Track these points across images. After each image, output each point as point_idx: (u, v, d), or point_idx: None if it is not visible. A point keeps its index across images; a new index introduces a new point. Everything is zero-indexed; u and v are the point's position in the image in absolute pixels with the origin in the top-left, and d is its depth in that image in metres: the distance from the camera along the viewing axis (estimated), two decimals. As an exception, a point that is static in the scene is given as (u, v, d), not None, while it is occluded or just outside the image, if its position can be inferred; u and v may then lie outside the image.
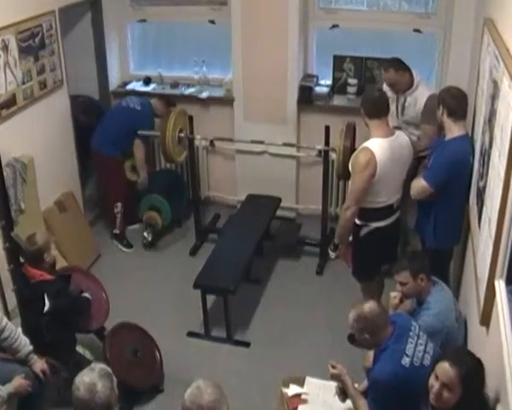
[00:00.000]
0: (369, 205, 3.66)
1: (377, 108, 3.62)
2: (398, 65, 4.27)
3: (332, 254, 3.96)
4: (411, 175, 3.79)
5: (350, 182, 3.69)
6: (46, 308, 3.49)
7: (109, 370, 2.49)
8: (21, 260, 3.74)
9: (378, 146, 3.54)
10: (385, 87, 4.45)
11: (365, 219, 3.71)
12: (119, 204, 5.26)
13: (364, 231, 3.74)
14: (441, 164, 3.52)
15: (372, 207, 3.67)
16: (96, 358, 3.79)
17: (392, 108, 4.29)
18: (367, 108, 3.63)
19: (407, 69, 4.28)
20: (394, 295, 3.29)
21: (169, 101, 5.29)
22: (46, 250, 3.61)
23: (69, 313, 3.63)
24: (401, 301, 3.31)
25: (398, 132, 3.70)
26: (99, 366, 2.48)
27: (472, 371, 2.31)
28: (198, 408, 2.21)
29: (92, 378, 2.40)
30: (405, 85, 4.28)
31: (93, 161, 5.35)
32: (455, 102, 3.51)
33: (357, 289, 4.40)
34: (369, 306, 2.81)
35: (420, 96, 4.26)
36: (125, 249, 5.37)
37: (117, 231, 5.36)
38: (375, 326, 2.78)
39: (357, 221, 3.74)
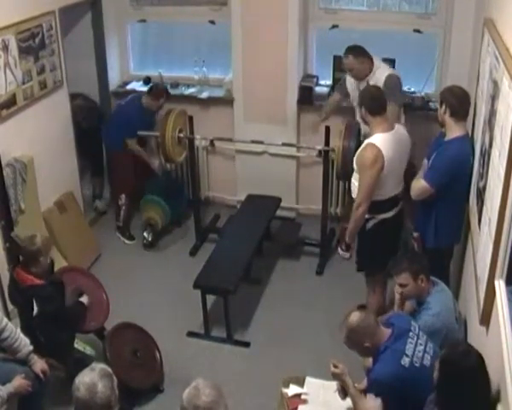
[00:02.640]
0: (377, 198, 3.72)
1: (378, 104, 3.68)
2: (358, 52, 4.40)
3: (345, 255, 3.95)
4: (410, 175, 3.82)
5: (358, 179, 3.70)
6: (35, 312, 3.50)
7: (110, 370, 2.49)
8: (19, 259, 3.74)
9: (382, 141, 3.60)
10: (348, 77, 4.61)
11: (373, 211, 3.75)
12: (123, 196, 5.34)
13: (371, 223, 3.79)
14: (442, 165, 3.51)
15: (379, 199, 3.73)
16: (96, 353, 3.81)
17: (355, 94, 4.45)
18: (369, 105, 3.68)
19: (366, 57, 4.41)
20: (397, 289, 3.28)
21: (157, 93, 5.18)
22: (44, 254, 3.57)
23: (58, 318, 3.60)
24: (402, 303, 3.31)
25: (397, 126, 3.77)
26: (99, 366, 2.48)
27: (472, 368, 2.30)
28: (194, 409, 2.21)
29: (92, 378, 2.40)
30: (363, 72, 4.41)
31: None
32: (458, 101, 3.50)
33: (357, 289, 4.40)
34: (353, 316, 2.82)
35: (380, 77, 4.36)
36: (127, 241, 5.43)
37: (120, 224, 5.42)
38: (368, 331, 2.78)
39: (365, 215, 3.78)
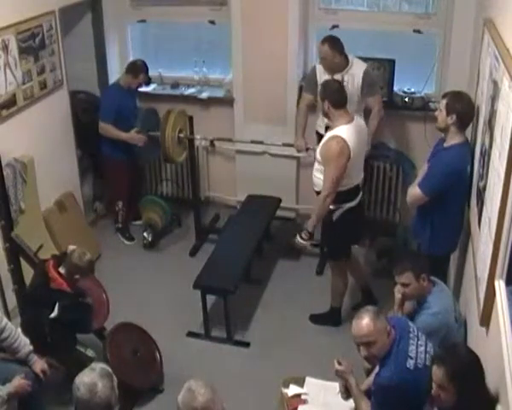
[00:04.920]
0: (342, 188, 3.84)
1: (341, 98, 3.84)
2: (334, 44, 4.45)
3: (307, 243, 4.00)
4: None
5: (324, 171, 3.79)
6: (53, 315, 3.50)
7: (109, 370, 2.50)
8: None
9: (346, 132, 3.75)
10: (319, 69, 4.62)
11: (338, 201, 3.87)
12: (119, 203, 5.35)
13: (337, 213, 3.91)
14: (438, 172, 3.47)
15: (345, 189, 3.86)
16: (96, 354, 3.81)
17: None
18: (333, 99, 3.80)
19: (340, 52, 4.47)
20: (398, 289, 3.26)
21: (135, 69, 5.06)
22: (81, 274, 3.58)
23: (72, 325, 3.62)
24: (402, 304, 3.30)
25: (355, 117, 3.90)
26: (99, 366, 2.48)
27: (460, 366, 2.33)
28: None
29: (92, 378, 2.40)
30: (335, 65, 4.48)
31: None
32: (468, 111, 3.47)
33: (357, 289, 4.40)
34: (366, 319, 2.76)
35: (356, 71, 4.51)
36: (126, 242, 5.44)
37: (119, 226, 5.45)
38: (385, 331, 2.76)
39: (331, 206, 3.88)
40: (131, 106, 5.18)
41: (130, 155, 5.26)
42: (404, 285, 3.16)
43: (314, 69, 4.72)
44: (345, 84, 4.42)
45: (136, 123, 5.13)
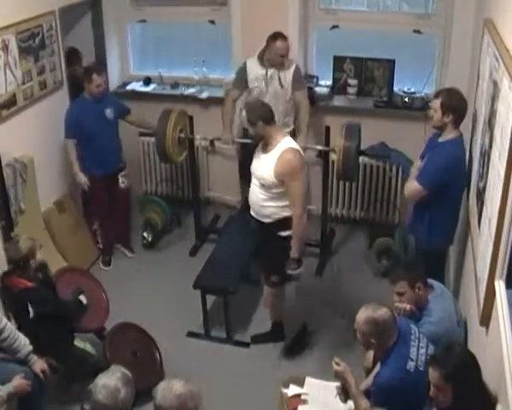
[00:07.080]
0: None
1: (271, 113, 3.58)
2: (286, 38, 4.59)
3: (297, 272, 3.71)
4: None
5: (291, 189, 3.50)
6: (31, 315, 3.48)
7: (130, 375, 2.47)
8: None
9: (294, 143, 3.62)
10: (250, 65, 4.71)
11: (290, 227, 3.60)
12: (96, 223, 5.15)
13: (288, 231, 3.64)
14: (436, 166, 3.48)
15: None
16: (96, 352, 3.82)
17: (262, 84, 4.67)
18: (263, 115, 3.53)
19: None
20: (404, 307, 3.16)
21: (85, 73, 4.67)
22: (32, 257, 3.55)
23: (56, 318, 3.58)
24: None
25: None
26: (121, 370, 2.46)
27: (455, 367, 2.34)
28: (177, 398, 2.24)
29: (116, 384, 2.38)
30: (284, 60, 4.64)
31: None
32: (464, 106, 3.47)
33: (358, 289, 4.41)
34: (384, 312, 2.75)
35: (290, 67, 4.68)
36: (101, 265, 5.08)
37: (100, 246, 5.20)
38: (384, 334, 2.76)
39: (284, 233, 3.63)
40: (97, 117, 4.67)
41: (107, 172, 4.83)
42: (400, 294, 3.15)
43: (244, 66, 4.76)
44: (281, 80, 4.62)
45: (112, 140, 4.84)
